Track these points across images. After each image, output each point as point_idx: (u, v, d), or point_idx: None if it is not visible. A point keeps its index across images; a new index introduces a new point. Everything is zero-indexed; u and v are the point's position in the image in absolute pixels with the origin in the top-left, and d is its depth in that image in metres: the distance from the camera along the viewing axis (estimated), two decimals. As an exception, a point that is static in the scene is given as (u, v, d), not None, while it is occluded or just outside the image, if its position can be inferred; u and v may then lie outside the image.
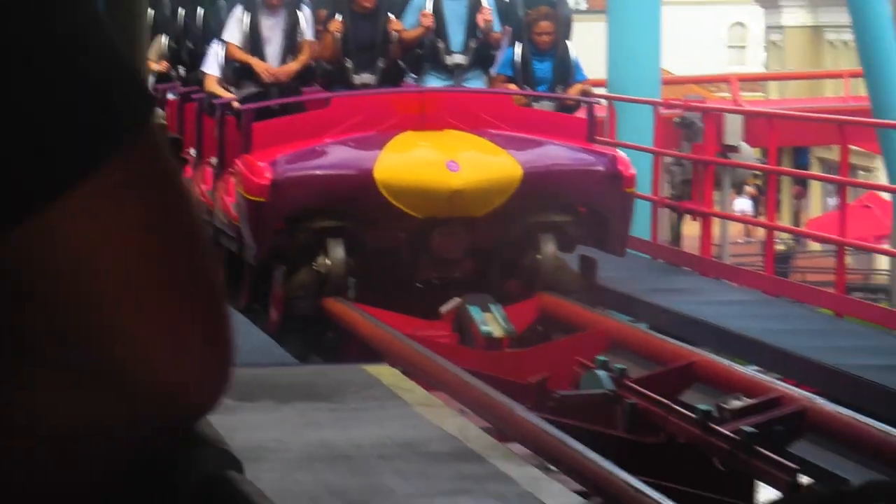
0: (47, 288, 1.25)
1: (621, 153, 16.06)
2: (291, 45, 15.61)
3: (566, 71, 16.25)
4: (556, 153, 14.83)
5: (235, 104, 15.53)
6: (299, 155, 14.15)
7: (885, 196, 20.35)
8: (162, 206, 1.31)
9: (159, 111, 15.34)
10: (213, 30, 17.47)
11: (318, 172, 14.09)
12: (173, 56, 20.48)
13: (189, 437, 2.09)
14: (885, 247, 20.61)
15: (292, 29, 15.66)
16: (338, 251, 13.83)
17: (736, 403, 11.85)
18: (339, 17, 15.87)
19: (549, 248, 14.42)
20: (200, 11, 18.92)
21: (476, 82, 15.87)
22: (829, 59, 49.36)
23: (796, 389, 12.47)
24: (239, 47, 15.69)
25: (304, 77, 15.80)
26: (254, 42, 15.59)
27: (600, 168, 14.92)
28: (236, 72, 15.88)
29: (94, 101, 1.26)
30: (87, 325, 1.23)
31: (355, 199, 13.68)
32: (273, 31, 15.61)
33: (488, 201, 13.68)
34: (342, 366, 12.85)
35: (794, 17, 56.42)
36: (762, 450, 11.14)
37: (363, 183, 13.62)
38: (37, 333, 1.26)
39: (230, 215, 14.98)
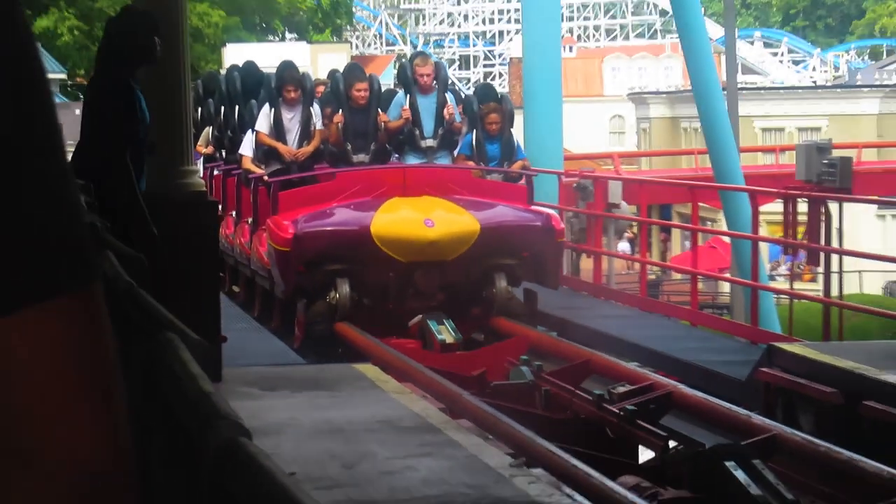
0: None
1: (554, 213, 16.52)
2: (306, 133, 15.92)
3: (511, 151, 16.42)
4: (505, 213, 15.03)
5: (265, 178, 15.79)
6: (314, 216, 14.44)
7: (726, 239, 21.06)
8: (84, 351, 1.27)
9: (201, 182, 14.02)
10: (246, 122, 17.62)
11: (328, 228, 14.34)
12: (216, 142, 20.35)
13: (210, 413, 2.26)
14: (726, 275, 21.31)
15: (307, 121, 15.95)
16: (345, 287, 14.16)
17: (621, 389, 12.16)
18: (340, 112, 16.27)
19: (502, 283, 14.68)
20: (237, 109, 18.83)
21: (444, 160, 16.10)
22: (683, 140, 49.77)
23: (664, 378, 12.81)
24: (267, 135, 15.95)
25: (316, 157, 16.11)
26: (278, 131, 15.85)
27: (538, 224, 15.09)
28: (265, 153, 16.10)
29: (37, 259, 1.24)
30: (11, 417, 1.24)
31: (357, 248, 13.97)
32: (292, 123, 15.91)
33: (455, 249, 13.99)
34: (338, 365, 12.74)
35: (658, 110, 57.44)
36: (641, 422, 11.38)
37: (363, 236, 13.93)
38: None
39: (263, 261, 15.19)
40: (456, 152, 16.34)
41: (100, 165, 9.36)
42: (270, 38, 62.73)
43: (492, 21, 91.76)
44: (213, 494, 2.09)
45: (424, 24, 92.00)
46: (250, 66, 20.72)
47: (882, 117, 42.79)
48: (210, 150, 20.65)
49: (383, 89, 18.16)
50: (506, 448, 9.45)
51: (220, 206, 16.97)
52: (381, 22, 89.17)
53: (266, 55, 36.78)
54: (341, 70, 19.22)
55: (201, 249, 10.47)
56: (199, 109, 21.83)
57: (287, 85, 16.27)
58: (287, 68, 17.39)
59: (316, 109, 16.29)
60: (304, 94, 16.27)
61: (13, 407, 1.26)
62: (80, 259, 1.29)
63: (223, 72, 23.83)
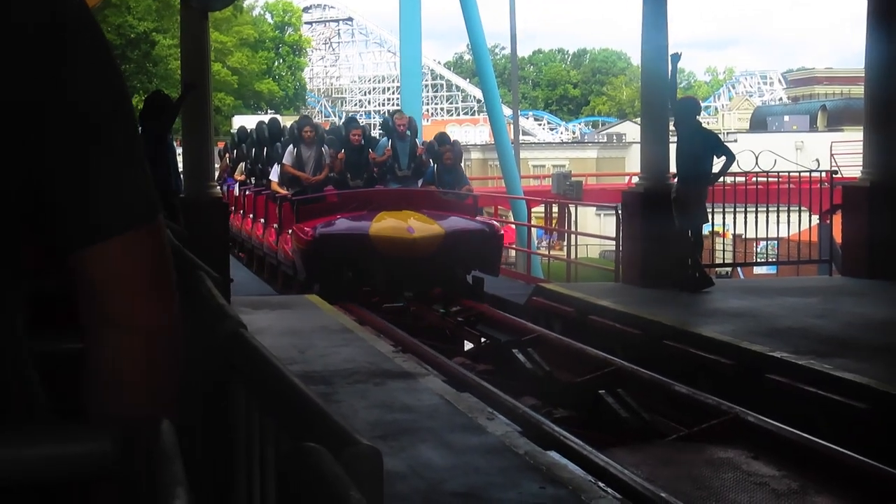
0: (93, 286, 1.24)
1: (496, 223, 15.79)
2: (319, 165, 15.35)
3: (460, 179, 15.73)
4: (461, 222, 13.96)
5: (289, 197, 15.02)
6: (327, 224, 13.56)
7: (513, 226, 21.51)
8: (155, 261, 1.26)
9: (218, 191, 13.12)
10: (272, 158, 17.24)
11: (338, 232, 13.40)
12: (248, 173, 19.99)
13: (222, 314, 2.12)
14: (514, 247, 21.23)
15: (319, 156, 15.40)
16: (348, 275, 13.23)
17: (455, 309, 12.73)
18: (342, 151, 15.73)
19: (459, 272, 13.68)
20: (265, 150, 18.52)
21: (415, 185, 15.35)
22: (490, 171, 49.12)
23: (480, 304, 13.04)
24: (290, 166, 15.37)
25: (326, 182, 15.37)
26: (298, 163, 15.31)
27: (487, 230, 14.09)
28: (289, 180, 15.46)
29: (132, 198, 1.23)
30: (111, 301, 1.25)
31: (358, 247, 13.02)
32: (308, 157, 15.35)
33: (428, 248, 13.05)
34: (297, 296, 12.80)
35: (476, 155, 55.44)
36: (466, 327, 11.97)
37: (363, 238, 13.02)
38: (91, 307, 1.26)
39: (288, 257, 14.31)
40: (423, 180, 15.65)
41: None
42: (259, 112, 64.57)
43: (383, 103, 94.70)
44: (223, 362, 1.92)
45: (344, 106, 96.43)
46: (274, 122, 20.65)
47: (599, 160, 49.53)
48: (243, 177, 20.43)
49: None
50: (390, 342, 9.49)
51: (250, 214, 18.14)
52: (321, 104, 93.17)
53: (255, 122, 38.45)
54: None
55: (217, 230, 11.14)
56: (234, 151, 22.34)
57: (306, 126, 15.90)
58: (306, 116, 17.97)
59: (325, 148, 15.75)
60: (317, 136, 15.78)
61: (113, 293, 1.25)
62: (152, 201, 1.27)
63: (249, 126, 22.80)
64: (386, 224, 13.28)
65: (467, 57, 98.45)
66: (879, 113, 12.52)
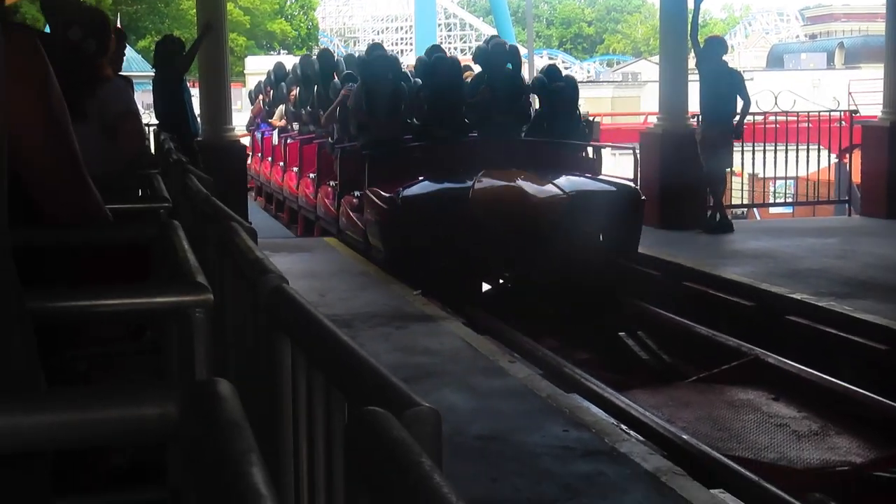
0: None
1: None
2: (394, 108, 11.40)
3: (577, 127, 12.13)
4: (590, 183, 10.54)
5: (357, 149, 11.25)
6: (411, 186, 9.81)
7: None
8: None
9: (235, 133, 12.18)
10: (324, 100, 13.75)
11: (427, 196, 9.95)
12: (292, 116, 16.10)
13: (259, 268, 2.09)
14: None
15: (397, 96, 11.53)
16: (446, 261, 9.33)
17: None
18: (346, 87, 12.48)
19: (590, 250, 9.67)
20: (315, 89, 14.60)
21: (519, 136, 11.57)
22: None
23: None
24: (359, 110, 11.30)
25: (399, 131, 11.39)
26: (369, 106, 11.24)
27: (624, 192, 10.17)
28: (358, 127, 11.42)
29: None
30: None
31: (455, 217, 9.23)
32: (383, 98, 11.34)
33: (548, 219, 9.27)
34: (315, 238, 12.48)
35: None
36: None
37: (461, 204, 9.29)
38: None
39: (358, 227, 10.79)
40: (526, 129, 11.71)
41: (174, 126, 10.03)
42: (272, 53, 64.37)
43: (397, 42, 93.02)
44: (270, 318, 1.89)
45: (357, 45, 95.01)
46: (326, 54, 16.16)
47: (614, 99, 49.25)
48: (283, 123, 16.94)
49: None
50: (412, 286, 8.95)
51: (294, 168, 14.90)
52: (334, 44, 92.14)
53: (270, 62, 37.99)
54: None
55: (236, 172, 11.16)
56: (271, 92, 18.72)
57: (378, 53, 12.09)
58: (376, 44, 13.19)
59: (409, 84, 11.93)
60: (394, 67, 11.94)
61: None
62: None
63: (267, 65, 20.78)
64: (491, 186, 9.56)
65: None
66: (901, 51, 12.42)
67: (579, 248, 9.47)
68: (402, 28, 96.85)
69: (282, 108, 17.24)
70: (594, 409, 5.84)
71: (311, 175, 13.63)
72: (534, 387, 5.88)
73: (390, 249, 9.81)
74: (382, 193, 9.93)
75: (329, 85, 13.71)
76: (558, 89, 11.76)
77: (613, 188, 10.31)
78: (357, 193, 11.08)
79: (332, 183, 12.35)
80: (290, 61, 19.23)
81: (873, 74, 25.47)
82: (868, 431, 6.06)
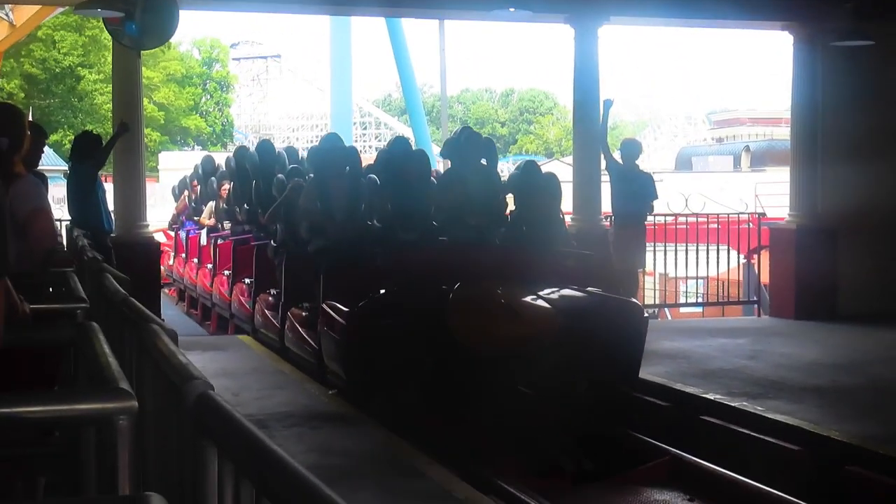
0: None
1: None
2: (353, 204, 10.29)
3: (560, 232, 10.49)
4: (584, 297, 8.32)
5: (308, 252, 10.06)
6: (380, 303, 8.36)
7: None
8: None
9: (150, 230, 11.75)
10: (264, 196, 12.36)
11: (396, 319, 8.07)
12: (227, 214, 14.58)
13: (184, 374, 2.03)
14: None
15: (355, 191, 10.38)
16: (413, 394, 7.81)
17: None
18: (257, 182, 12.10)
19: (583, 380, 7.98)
20: (254, 184, 12.97)
21: (493, 241, 9.98)
22: None
23: None
24: (310, 208, 10.14)
25: (358, 233, 10.11)
26: (322, 202, 10.12)
27: (623, 308, 8.27)
28: (310, 229, 10.10)
29: None
30: None
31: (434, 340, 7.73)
32: (339, 192, 10.15)
33: (539, 343, 7.64)
34: (228, 336, 12.40)
35: None
36: None
37: (441, 326, 7.66)
38: None
39: (302, 340, 9.71)
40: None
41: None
42: (186, 148, 64.30)
43: (312, 140, 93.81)
44: (195, 426, 1.84)
45: (274, 143, 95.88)
46: (267, 145, 14.29)
47: None
48: (212, 222, 15.51)
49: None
50: (327, 387, 8.81)
51: (227, 272, 13.58)
52: (249, 140, 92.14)
53: (184, 158, 38.19)
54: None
55: (150, 270, 11.03)
56: (199, 187, 17.29)
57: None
58: (332, 134, 11.71)
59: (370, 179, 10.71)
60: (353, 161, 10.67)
61: None
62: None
63: (193, 160, 19.46)
64: (471, 301, 7.92)
65: (396, 95, 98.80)
66: (806, 156, 12.77)
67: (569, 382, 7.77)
68: (317, 126, 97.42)
69: (211, 204, 15.88)
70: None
71: (248, 280, 12.41)
72: (451, 489, 5.82)
73: (352, 375, 8.24)
74: (341, 308, 8.37)
75: (271, 179, 12.00)
76: (538, 188, 10.19)
77: (617, 303, 8.40)
78: (306, 305, 9.88)
79: (273, 292, 11.24)
80: (217, 157, 18.45)
81: (778, 178, 26.07)
82: None
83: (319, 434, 7.12)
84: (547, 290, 8.27)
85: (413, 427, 7.33)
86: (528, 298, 8.02)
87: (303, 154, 14.03)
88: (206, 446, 1.70)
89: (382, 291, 8.66)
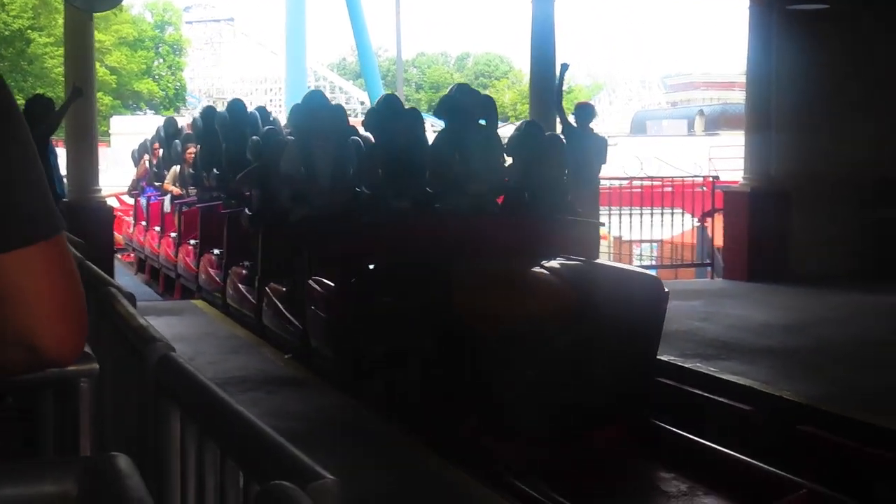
0: None
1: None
2: (341, 171, 9.29)
3: (564, 196, 9.50)
4: (600, 273, 7.33)
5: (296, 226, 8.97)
6: (373, 279, 7.51)
7: None
8: (59, 270, 1.20)
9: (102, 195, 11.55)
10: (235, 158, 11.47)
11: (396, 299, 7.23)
12: (193, 179, 13.59)
13: (144, 336, 2.07)
14: None
15: (342, 157, 9.40)
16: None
17: None
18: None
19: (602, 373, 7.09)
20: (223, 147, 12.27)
21: (494, 207, 9.18)
22: None
23: None
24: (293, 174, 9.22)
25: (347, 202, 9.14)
26: (307, 168, 9.18)
27: (644, 285, 7.28)
28: (292, 197, 9.13)
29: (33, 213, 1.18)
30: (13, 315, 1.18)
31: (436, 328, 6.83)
32: (323, 159, 9.25)
33: (558, 325, 6.82)
34: (183, 301, 12.24)
35: None
36: None
37: (445, 313, 6.76)
38: None
39: (287, 322, 8.87)
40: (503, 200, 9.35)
41: None
42: (139, 113, 63.60)
43: (266, 104, 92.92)
44: (158, 387, 1.84)
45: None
46: (239, 104, 13.18)
47: None
48: (178, 191, 14.40)
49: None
50: (282, 351, 8.74)
51: (193, 241, 12.83)
52: (202, 104, 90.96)
53: (136, 123, 37.72)
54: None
55: (104, 235, 10.95)
56: (161, 150, 16.33)
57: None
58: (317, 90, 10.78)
59: (358, 141, 9.56)
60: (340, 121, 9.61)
61: (11, 315, 1.19)
62: (52, 215, 1.24)
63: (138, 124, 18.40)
64: (479, 278, 7.03)
65: (350, 59, 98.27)
66: (760, 120, 12.86)
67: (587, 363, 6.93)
68: (271, 90, 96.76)
69: (176, 169, 14.76)
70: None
71: (217, 251, 11.68)
72: (416, 458, 5.81)
73: (343, 358, 7.48)
74: (331, 284, 7.70)
75: (244, 141, 11.12)
76: (542, 151, 9.20)
77: (628, 277, 7.67)
78: (287, 280, 9.02)
79: (247, 264, 10.43)
80: (157, 121, 17.99)
81: (732, 141, 26.25)
82: (734, 491, 6.10)
83: (275, 398, 7.09)
84: (557, 263, 7.49)
85: (410, 413, 6.70)
86: (540, 273, 7.20)
87: (275, 116, 13.35)
88: (168, 408, 1.69)
89: (372, 266, 7.67)
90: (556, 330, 6.75)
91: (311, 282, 8.01)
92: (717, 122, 47.49)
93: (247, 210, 10.38)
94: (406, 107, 9.82)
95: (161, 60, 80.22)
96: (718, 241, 13.89)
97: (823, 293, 11.63)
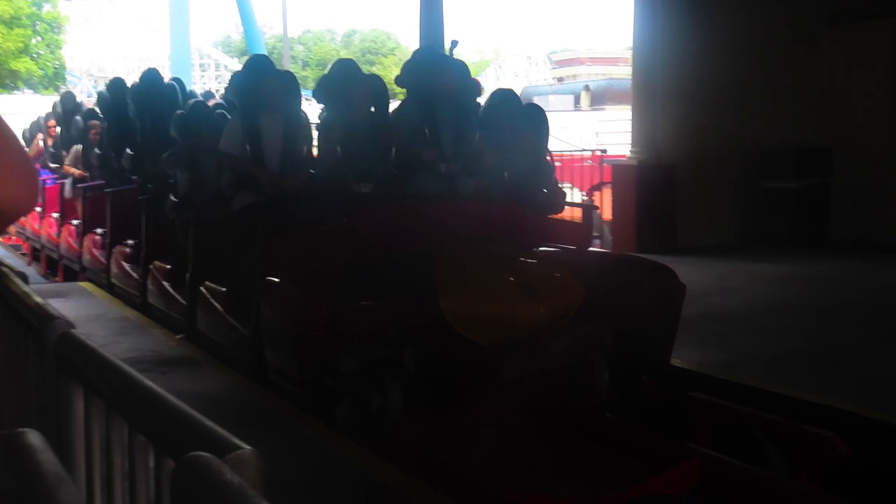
0: None
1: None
2: (291, 154, 7.83)
3: (547, 176, 8.12)
4: (601, 260, 7.58)
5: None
6: (353, 281, 6.22)
7: None
8: None
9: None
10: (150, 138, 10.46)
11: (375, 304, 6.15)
12: (101, 160, 12.16)
13: (43, 314, 2.06)
14: None
15: (293, 136, 7.89)
16: (396, 395, 5.64)
17: None
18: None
19: (603, 374, 6.56)
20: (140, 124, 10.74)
21: (466, 189, 7.74)
22: None
23: None
24: (236, 154, 7.70)
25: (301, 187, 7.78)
26: (253, 148, 7.65)
27: (654, 275, 6.62)
28: (234, 181, 7.67)
29: None
30: None
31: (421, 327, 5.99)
32: (272, 138, 7.79)
33: (558, 324, 5.88)
34: (70, 283, 11.72)
35: None
36: None
37: (430, 312, 5.80)
38: None
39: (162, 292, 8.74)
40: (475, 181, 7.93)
41: None
42: (17, 92, 61.97)
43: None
44: (59, 365, 1.81)
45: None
46: (154, 73, 11.42)
47: None
48: (79, 173, 12.96)
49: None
50: (174, 331, 8.65)
51: (100, 230, 11.66)
52: (83, 83, 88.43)
53: (13, 102, 36.83)
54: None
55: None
56: (60, 129, 14.81)
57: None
58: (260, 55, 9.19)
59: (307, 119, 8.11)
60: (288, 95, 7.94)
61: None
62: None
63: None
64: (473, 280, 6.05)
65: (236, 36, 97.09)
66: (646, 95, 13.06)
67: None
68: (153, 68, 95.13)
69: (77, 149, 13.27)
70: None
71: (130, 243, 10.52)
72: (311, 433, 5.71)
73: (309, 377, 5.98)
74: (292, 288, 6.15)
75: (162, 116, 9.90)
76: (520, 124, 8.05)
77: (639, 267, 6.88)
78: (227, 281, 7.73)
79: (131, 242, 9.76)
80: (37, 100, 17.14)
81: (617, 116, 26.59)
82: (626, 457, 6.12)
83: (170, 379, 6.98)
84: (555, 254, 6.93)
85: (392, 439, 5.78)
86: (541, 267, 6.24)
87: (192, 87, 12.27)
88: (70, 386, 1.67)
89: (339, 263, 6.52)
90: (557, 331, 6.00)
91: (267, 284, 6.41)
92: (602, 97, 48.04)
93: (172, 197, 9.09)
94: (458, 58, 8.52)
95: (39, 38, 78.23)
96: (607, 214, 14.08)
97: (709, 263, 11.85)
